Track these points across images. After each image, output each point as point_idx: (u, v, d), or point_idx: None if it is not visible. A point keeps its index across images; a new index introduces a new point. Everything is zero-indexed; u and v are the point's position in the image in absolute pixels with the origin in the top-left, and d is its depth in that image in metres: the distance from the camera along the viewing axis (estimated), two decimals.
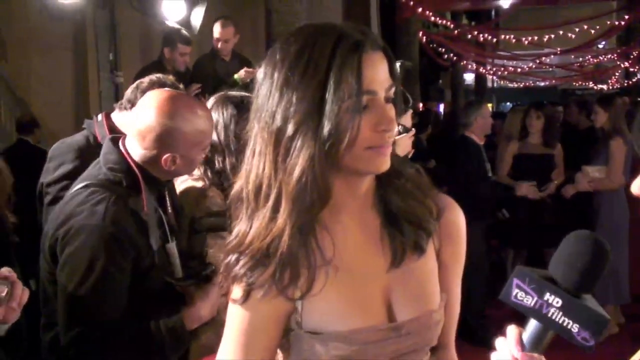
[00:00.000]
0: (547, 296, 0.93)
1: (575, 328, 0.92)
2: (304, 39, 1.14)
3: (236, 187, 1.22)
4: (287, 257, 1.15)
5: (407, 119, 3.79)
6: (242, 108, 2.21)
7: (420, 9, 11.34)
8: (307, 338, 1.21)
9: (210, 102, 2.30)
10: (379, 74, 1.14)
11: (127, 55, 7.58)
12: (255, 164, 1.17)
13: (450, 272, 1.33)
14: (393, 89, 1.16)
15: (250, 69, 4.91)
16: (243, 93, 2.33)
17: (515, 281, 0.96)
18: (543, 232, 5.37)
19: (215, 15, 5.76)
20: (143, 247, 1.88)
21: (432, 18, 12.95)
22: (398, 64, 1.23)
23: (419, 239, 1.24)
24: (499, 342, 1.00)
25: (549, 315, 0.93)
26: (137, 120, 1.94)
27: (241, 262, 1.19)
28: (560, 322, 0.93)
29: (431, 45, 14.89)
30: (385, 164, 1.17)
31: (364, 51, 1.12)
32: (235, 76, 4.93)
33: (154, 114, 1.89)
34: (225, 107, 2.25)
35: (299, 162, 1.11)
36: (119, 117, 2.57)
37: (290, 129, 1.11)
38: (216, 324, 2.00)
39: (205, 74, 5.19)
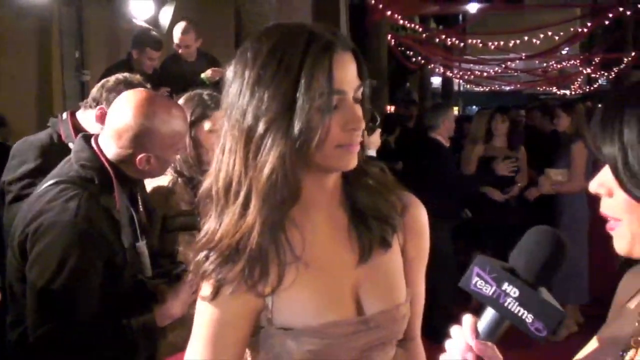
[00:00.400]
0: (505, 286, 0.97)
1: (529, 318, 0.96)
2: (275, 38, 1.16)
3: (205, 184, 1.23)
4: (256, 253, 1.17)
5: (376, 137, 3.89)
6: (214, 107, 2.23)
7: (389, 12, 11.42)
8: (279, 334, 1.23)
9: (182, 99, 2.32)
10: (348, 74, 1.17)
11: (93, 54, 7.48)
12: (225, 162, 1.18)
13: (414, 267, 1.37)
14: (361, 90, 1.20)
15: (218, 69, 4.89)
16: (213, 92, 2.35)
17: (476, 269, 1.00)
18: (507, 234, 5.46)
19: (184, 14, 5.73)
20: (115, 245, 1.88)
21: (401, 21, 13.05)
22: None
23: (385, 234, 1.28)
24: (453, 330, 1.03)
25: (506, 304, 0.97)
26: (114, 118, 1.95)
27: (210, 259, 1.20)
28: (516, 311, 0.96)
29: (400, 48, 15.01)
30: (353, 162, 1.21)
31: (335, 52, 1.15)
32: (203, 76, 4.90)
33: (132, 114, 1.90)
34: (198, 105, 2.28)
35: (269, 159, 1.12)
36: (83, 115, 2.56)
37: (261, 127, 1.13)
38: (185, 322, 2.01)
39: (171, 76, 5.15)
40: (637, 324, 1.01)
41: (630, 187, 0.88)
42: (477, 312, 1.04)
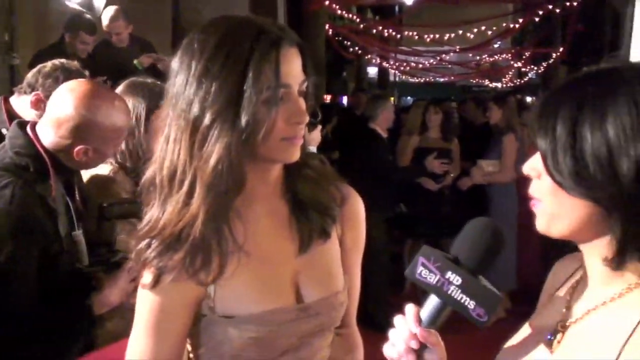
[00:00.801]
0: (449, 274, 1.03)
1: (471, 305, 1.02)
2: (223, 31, 1.18)
3: (149, 173, 1.24)
4: (199, 242, 1.18)
5: (317, 133, 3.93)
6: (154, 95, 2.21)
7: (327, 2, 11.45)
8: (221, 322, 1.25)
9: (120, 88, 2.29)
10: (294, 68, 1.20)
11: (24, 36, 7.23)
12: (169, 150, 1.19)
13: (351, 256, 1.42)
14: (305, 84, 1.23)
15: (151, 54, 4.82)
16: (153, 80, 2.33)
17: (421, 259, 1.05)
18: (440, 223, 5.62)
19: (118, 2, 5.60)
20: (51, 233, 1.86)
21: (339, 11, 13.11)
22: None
23: (325, 225, 1.32)
24: (397, 319, 1.08)
25: (449, 292, 1.03)
26: (55, 107, 1.92)
27: (152, 247, 1.21)
28: (459, 298, 1.02)
29: (337, 38, 15.07)
30: (296, 154, 1.24)
31: (282, 46, 1.17)
32: (136, 62, 4.80)
33: (74, 105, 1.88)
34: (138, 94, 2.24)
35: (215, 150, 1.14)
36: (18, 101, 2.50)
37: (207, 118, 1.14)
38: (124, 311, 2.00)
39: (104, 62, 5.03)
40: (564, 309, 1.07)
41: (555, 174, 0.95)
42: (410, 299, 1.09)
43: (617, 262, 0.95)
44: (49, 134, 1.91)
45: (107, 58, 5.06)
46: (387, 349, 1.08)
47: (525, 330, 1.16)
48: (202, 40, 1.18)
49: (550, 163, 0.96)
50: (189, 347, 1.33)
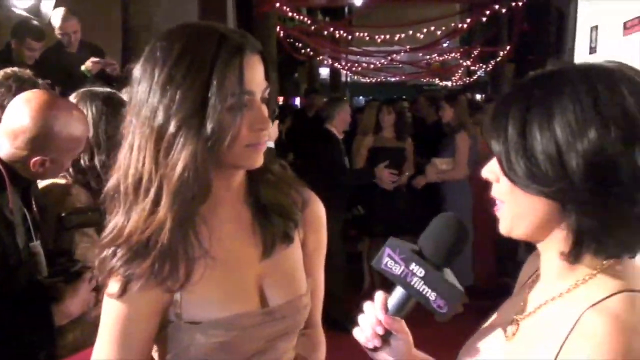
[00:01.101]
0: (413, 266, 1.07)
1: (432, 296, 1.06)
2: (186, 38, 1.18)
3: (112, 181, 1.23)
4: (166, 249, 1.18)
5: (275, 129, 3.96)
6: (110, 105, 2.19)
7: (278, 4, 11.45)
8: (187, 328, 1.25)
9: (74, 98, 2.25)
10: (257, 76, 1.22)
11: None
12: (134, 159, 1.19)
13: (314, 259, 1.44)
14: (267, 90, 1.25)
15: (97, 59, 4.74)
16: (109, 89, 2.30)
17: (387, 250, 1.08)
18: (397, 221, 5.69)
19: (66, 4, 5.50)
20: (9, 245, 1.83)
21: (290, 13, 13.12)
22: None
23: (288, 229, 1.34)
24: (366, 305, 1.13)
25: (412, 283, 1.07)
26: (11, 118, 1.89)
27: (118, 255, 1.20)
28: (421, 290, 1.06)
29: (288, 40, 15.08)
30: (260, 160, 1.26)
31: (245, 54, 1.19)
32: (83, 68, 4.72)
33: (31, 116, 1.85)
34: (93, 104, 2.21)
35: (182, 158, 1.14)
36: None
37: (172, 126, 1.15)
38: (85, 321, 1.99)
39: (52, 67, 4.93)
40: (522, 303, 1.12)
41: (510, 175, 0.99)
42: (369, 298, 1.12)
43: (574, 255, 0.99)
44: (4, 145, 1.87)
45: (56, 64, 4.96)
46: (356, 333, 1.13)
47: (487, 326, 1.20)
48: (164, 48, 1.18)
49: (505, 164, 0.99)
50: (154, 354, 1.33)
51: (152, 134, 1.17)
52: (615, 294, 0.97)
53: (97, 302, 1.93)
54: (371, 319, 1.11)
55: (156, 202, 1.17)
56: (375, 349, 1.13)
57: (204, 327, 1.25)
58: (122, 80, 4.81)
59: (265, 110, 1.23)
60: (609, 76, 0.97)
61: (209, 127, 1.15)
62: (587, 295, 0.98)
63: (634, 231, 0.97)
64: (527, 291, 1.14)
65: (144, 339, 1.27)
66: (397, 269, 1.07)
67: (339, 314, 4.67)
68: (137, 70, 1.21)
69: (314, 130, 5.74)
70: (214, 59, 1.16)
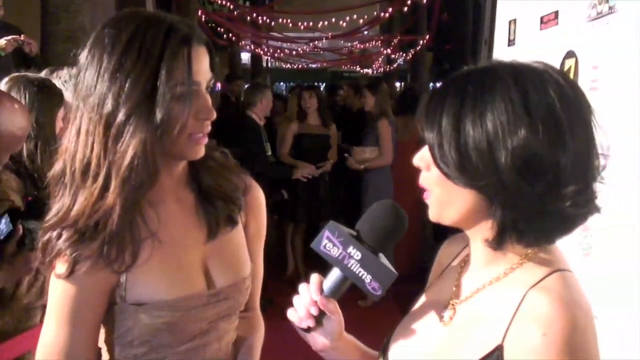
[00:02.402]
0: (350, 249, 1.12)
1: (367, 278, 1.11)
2: (134, 27, 1.19)
3: (58, 165, 1.24)
4: (114, 232, 1.20)
5: None
6: (44, 92, 2.14)
7: None
8: (131, 310, 1.27)
9: (6, 83, 2.18)
10: (203, 66, 1.24)
11: None
12: (82, 144, 1.20)
13: (255, 243, 1.48)
14: (212, 81, 1.27)
15: (11, 37, 4.58)
16: (42, 75, 2.24)
17: (327, 233, 1.13)
18: (319, 207, 5.77)
19: None
20: None
21: None
22: None
23: (232, 213, 1.38)
24: (301, 287, 1.17)
25: (349, 265, 1.12)
26: None
27: (64, 237, 1.21)
28: (357, 272, 1.12)
29: (209, 25, 14.87)
30: (201, 152, 1.29)
31: (192, 45, 1.21)
32: None
33: None
34: (27, 90, 2.15)
35: (131, 145, 1.16)
36: None
37: (122, 114, 1.16)
38: (14, 308, 1.95)
39: None
40: (454, 288, 1.17)
41: (442, 166, 1.04)
42: (291, 283, 1.17)
43: (497, 242, 1.04)
44: None
45: None
46: (290, 314, 1.17)
47: (418, 308, 1.25)
48: (113, 35, 1.19)
49: (437, 155, 1.04)
50: (101, 337, 1.34)
51: (101, 121, 1.18)
52: (550, 274, 1.04)
53: (30, 287, 1.89)
54: (305, 300, 1.16)
55: (105, 188, 1.19)
56: (309, 329, 1.18)
57: (148, 308, 1.27)
58: (41, 61, 4.67)
59: (209, 100, 1.26)
60: (538, 77, 1.02)
61: (158, 115, 1.17)
62: (525, 277, 1.05)
63: (550, 224, 1.03)
64: (457, 276, 1.19)
65: (93, 320, 1.28)
66: (335, 252, 1.12)
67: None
68: (83, 56, 1.22)
69: (236, 116, 5.72)
70: (162, 49, 1.18)
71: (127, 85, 1.16)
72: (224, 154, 1.43)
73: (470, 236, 1.12)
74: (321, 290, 1.15)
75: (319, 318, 1.16)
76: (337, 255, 1.12)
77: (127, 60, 1.17)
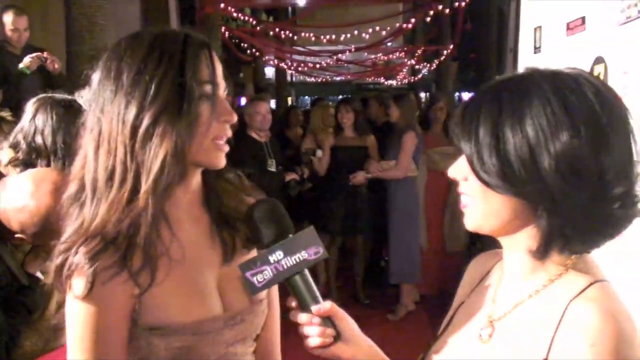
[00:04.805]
0: (271, 257, 1.12)
1: (304, 254, 1.12)
2: (152, 37, 1.21)
3: (72, 187, 1.22)
4: (143, 239, 1.17)
5: None
6: (71, 112, 2.15)
7: (222, 5, 11.37)
8: (145, 335, 1.21)
9: (33, 103, 2.20)
10: (220, 71, 1.25)
11: None
12: (103, 155, 1.18)
13: None
14: (226, 91, 1.27)
15: (36, 54, 4.65)
16: (69, 96, 2.26)
17: (247, 274, 1.13)
18: (355, 220, 5.75)
19: (9, 3, 5.38)
20: None
21: (235, 14, 13.06)
22: None
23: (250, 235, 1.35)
24: (291, 316, 1.15)
25: (286, 266, 1.12)
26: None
27: (84, 249, 1.16)
28: (294, 262, 1.12)
29: (233, 41, 14.99)
30: (223, 160, 1.27)
31: (211, 49, 1.23)
32: (21, 66, 4.63)
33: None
34: (54, 110, 2.17)
35: (163, 146, 1.15)
36: None
37: (149, 117, 1.15)
38: (41, 329, 1.95)
39: None
40: (491, 303, 1.14)
41: (482, 175, 1.02)
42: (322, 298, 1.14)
43: (542, 252, 1.02)
44: None
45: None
46: (310, 343, 1.14)
47: (453, 326, 1.22)
48: (130, 45, 1.20)
49: (476, 165, 1.02)
50: None
51: (125, 127, 1.17)
52: (590, 285, 1.01)
53: (59, 307, 1.89)
54: (304, 320, 1.13)
55: (134, 191, 1.17)
56: (334, 340, 1.14)
57: (163, 333, 1.22)
58: (64, 79, 4.73)
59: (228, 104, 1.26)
60: (574, 81, 1.01)
61: (187, 114, 1.16)
62: (566, 289, 1.02)
63: (598, 228, 1.01)
64: (493, 292, 1.16)
65: (118, 344, 1.20)
66: (268, 273, 1.12)
67: None
68: (99, 70, 1.22)
69: (236, 135, 5.70)
70: (183, 51, 1.19)
71: (152, 87, 1.16)
72: (238, 176, 1.41)
73: (507, 247, 1.10)
74: (303, 305, 1.14)
75: (328, 323, 1.14)
76: (273, 273, 1.12)
77: (150, 63, 1.17)
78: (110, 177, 1.18)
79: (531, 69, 1.06)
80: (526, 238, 1.04)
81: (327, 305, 1.13)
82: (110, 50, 1.22)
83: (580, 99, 0.98)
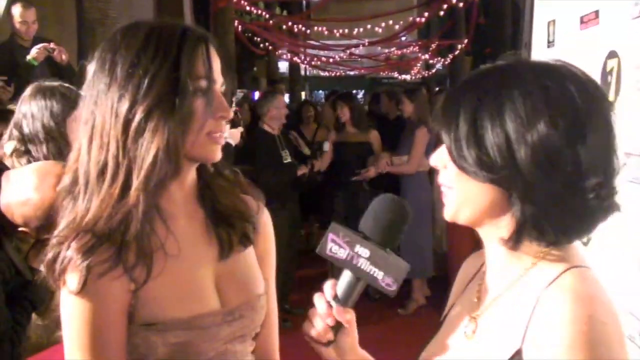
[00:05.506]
0: (357, 248, 1.08)
1: (380, 275, 1.07)
2: (148, 29, 1.18)
3: (67, 179, 1.20)
4: (137, 232, 1.15)
5: (237, 133, 3.95)
6: (68, 99, 2.15)
7: None
8: (141, 332, 1.19)
9: (29, 91, 2.19)
10: (217, 67, 1.23)
11: None
12: (95, 148, 1.16)
13: (267, 261, 1.42)
14: (224, 87, 1.25)
15: (41, 45, 4.65)
16: (65, 84, 2.25)
17: (331, 236, 1.09)
18: (358, 217, 5.70)
19: None
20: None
21: (248, 8, 13.06)
22: None
23: (247, 231, 1.34)
24: (316, 297, 1.12)
25: (359, 265, 1.08)
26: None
27: (77, 244, 1.14)
28: (368, 270, 1.08)
29: (246, 35, 14.99)
30: (218, 154, 1.25)
31: (208, 44, 1.21)
32: (29, 57, 4.64)
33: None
34: (54, 98, 2.16)
35: (154, 141, 1.13)
36: None
37: (141, 111, 1.13)
38: (46, 321, 1.95)
39: (6, 64, 4.83)
40: (475, 300, 1.15)
41: (459, 163, 1.03)
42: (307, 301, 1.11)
43: (515, 240, 1.02)
44: None
45: (8, 59, 4.88)
46: (307, 327, 1.12)
47: (445, 325, 1.22)
48: (127, 36, 1.18)
49: (454, 152, 1.03)
50: None
51: (118, 120, 1.15)
52: (564, 271, 1.01)
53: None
54: (322, 310, 1.11)
55: (125, 187, 1.15)
56: (329, 343, 1.13)
57: (159, 328, 1.19)
58: (73, 70, 4.73)
59: (224, 99, 1.24)
60: (557, 72, 1.01)
61: (180, 109, 1.14)
62: (539, 278, 1.02)
63: (571, 219, 1.00)
64: (478, 288, 1.16)
65: (116, 340, 1.17)
66: (343, 253, 1.08)
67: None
68: (95, 61, 1.20)
69: (251, 129, 5.68)
70: (180, 45, 1.16)
71: (145, 81, 1.14)
72: (235, 172, 1.39)
73: (485, 238, 1.10)
74: (336, 297, 1.11)
75: (336, 330, 1.12)
76: (345, 257, 1.08)
77: (144, 57, 1.15)
78: (102, 172, 1.16)
79: (515, 60, 1.07)
80: (500, 227, 1.04)
81: (347, 316, 1.11)
82: (106, 41, 1.20)
83: (561, 91, 0.99)
